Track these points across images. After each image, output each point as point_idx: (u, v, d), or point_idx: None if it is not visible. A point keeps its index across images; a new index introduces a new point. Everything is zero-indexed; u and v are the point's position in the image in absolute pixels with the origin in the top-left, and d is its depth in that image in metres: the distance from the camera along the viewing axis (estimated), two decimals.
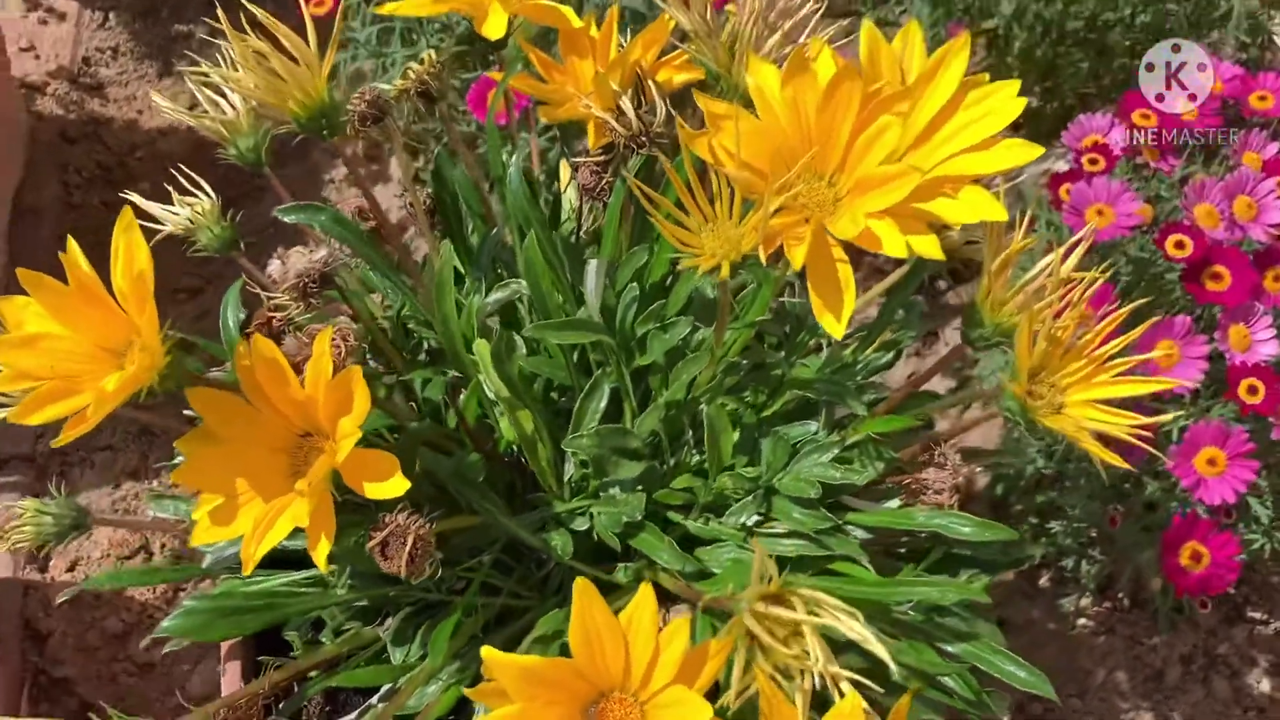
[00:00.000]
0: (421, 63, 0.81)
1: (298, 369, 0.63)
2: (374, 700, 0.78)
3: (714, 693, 0.55)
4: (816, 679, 0.50)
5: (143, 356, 0.59)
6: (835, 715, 0.53)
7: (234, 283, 0.78)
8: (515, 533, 0.74)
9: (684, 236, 0.60)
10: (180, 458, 0.63)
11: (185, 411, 0.65)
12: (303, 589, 0.77)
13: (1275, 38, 1.33)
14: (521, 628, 0.76)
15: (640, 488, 0.75)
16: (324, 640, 0.79)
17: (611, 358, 0.77)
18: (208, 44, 0.69)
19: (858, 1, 1.42)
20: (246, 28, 0.66)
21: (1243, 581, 1.20)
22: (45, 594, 1.17)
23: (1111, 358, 0.63)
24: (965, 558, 0.78)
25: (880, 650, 0.50)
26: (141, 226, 0.61)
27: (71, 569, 1.20)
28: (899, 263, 0.69)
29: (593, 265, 0.76)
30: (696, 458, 0.79)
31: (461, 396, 0.78)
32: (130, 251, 0.60)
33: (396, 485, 0.61)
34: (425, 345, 0.83)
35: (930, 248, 0.58)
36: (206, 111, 0.71)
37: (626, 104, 0.70)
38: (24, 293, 0.61)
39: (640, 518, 0.73)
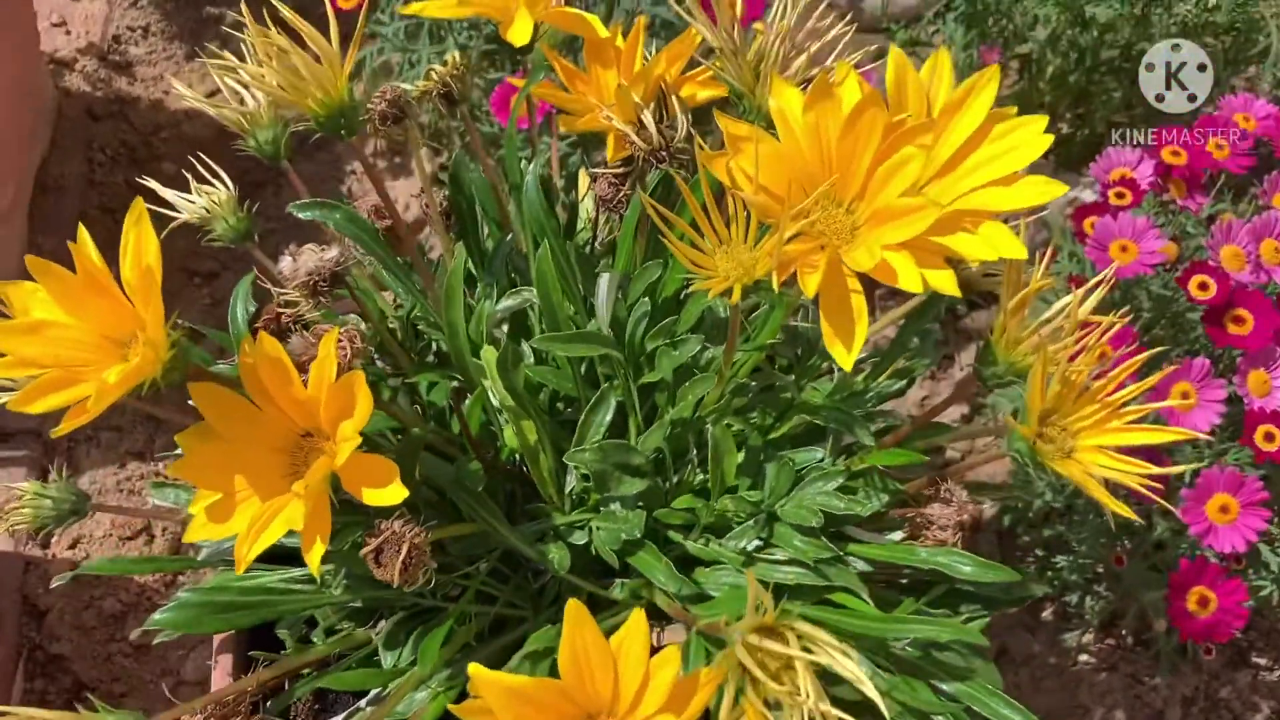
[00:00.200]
0: (446, 63, 0.80)
1: (303, 368, 0.62)
2: (362, 704, 0.77)
3: None
4: (807, 718, 0.49)
5: (146, 350, 0.58)
6: None
7: (249, 272, 0.77)
8: (513, 544, 0.73)
9: (697, 258, 0.59)
10: (180, 451, 0.63)
11: (189, 402, 0.65)
12: (297, 586, 0.76)
13: None
14: (514, 639, 0.75)
15: (641, 505, 0.75)
16: (315, 640, 0.78)
17: (619, 372, 0.76)
18: (237, 29, 0.68)
19: (889, 19, 1.40)
20: (269, 22, 0.66)
21: (1249, 627, 1.19)
22: (46, 570, 1.18)
23: (1126, 403, 0.62)
24: (967, 593, 0.77)
25: (873, 692, 0.50)
26: (158, 213, 0.60)
27: (73, 546, 1.21)
28: None
29: (605, 279, 0.76)
30: (700, 477, 0.78)
31: (466, 402, 0.78)
32: (140, 244, 0.59)
33: (394, 493, 0.60)
34: (434, 347, 0.82)
35: (947, 283, 0.57)
36: (227, 101, 0.71)
37: (648, 118, 0.70)
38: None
39: (639, 536, 0.73)
